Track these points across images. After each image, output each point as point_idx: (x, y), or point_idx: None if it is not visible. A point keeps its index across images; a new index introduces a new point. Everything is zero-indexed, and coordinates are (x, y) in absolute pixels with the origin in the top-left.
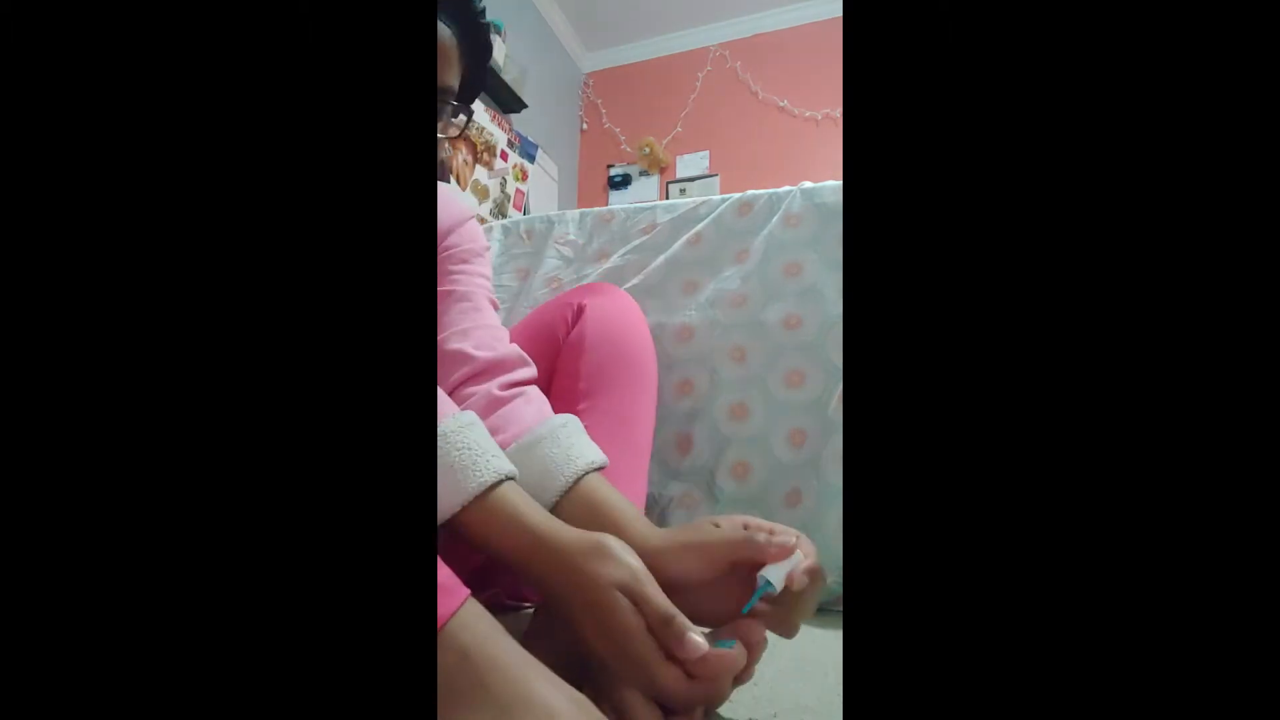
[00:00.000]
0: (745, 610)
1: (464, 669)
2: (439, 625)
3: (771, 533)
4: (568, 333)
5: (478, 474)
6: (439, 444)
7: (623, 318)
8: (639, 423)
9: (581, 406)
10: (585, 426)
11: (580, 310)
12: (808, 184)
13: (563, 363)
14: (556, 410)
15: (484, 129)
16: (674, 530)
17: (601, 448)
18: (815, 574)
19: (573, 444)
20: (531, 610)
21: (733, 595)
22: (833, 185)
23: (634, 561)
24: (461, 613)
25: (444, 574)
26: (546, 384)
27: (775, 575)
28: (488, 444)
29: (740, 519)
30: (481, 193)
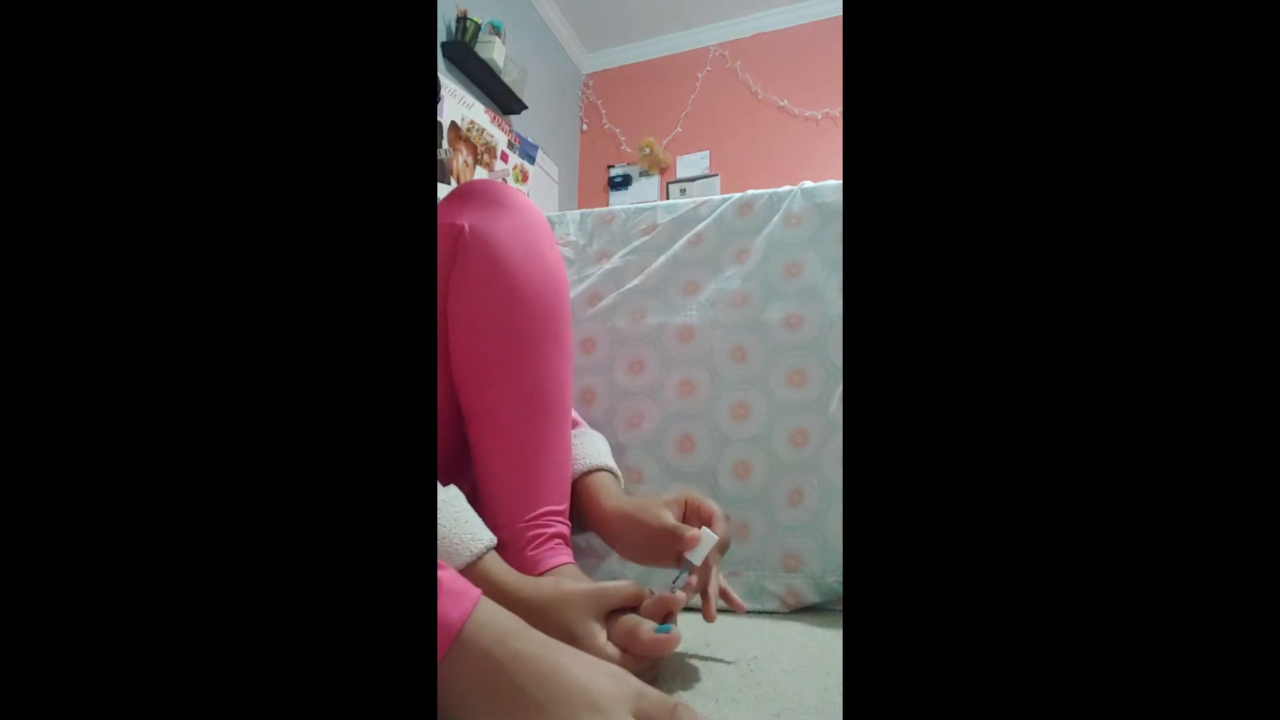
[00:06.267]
0: (674, 583)
1: (491, 670)
2: (455, 629)
3: (698, 509)
4: (450, 261)
5: (467, 546)
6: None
7: (521, 240)
8: (558, 381)
9: (490, 373)
10: (493, 403)
11: (460, 235)
12: (808, 183)
13: (456, 309)
14: (459, 374)
15: (484, 130)
16: (625, 507)
17: (520, 428)
18: (724, 547)
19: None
20: None
21: (667, 550)
22: (833, 185)
23: (586, 586)
24: (477, 613)
25: (449, 576)
26: (441, 328)
27: (696, 556)
28: (472, 516)
29: (683, 495)
30: None
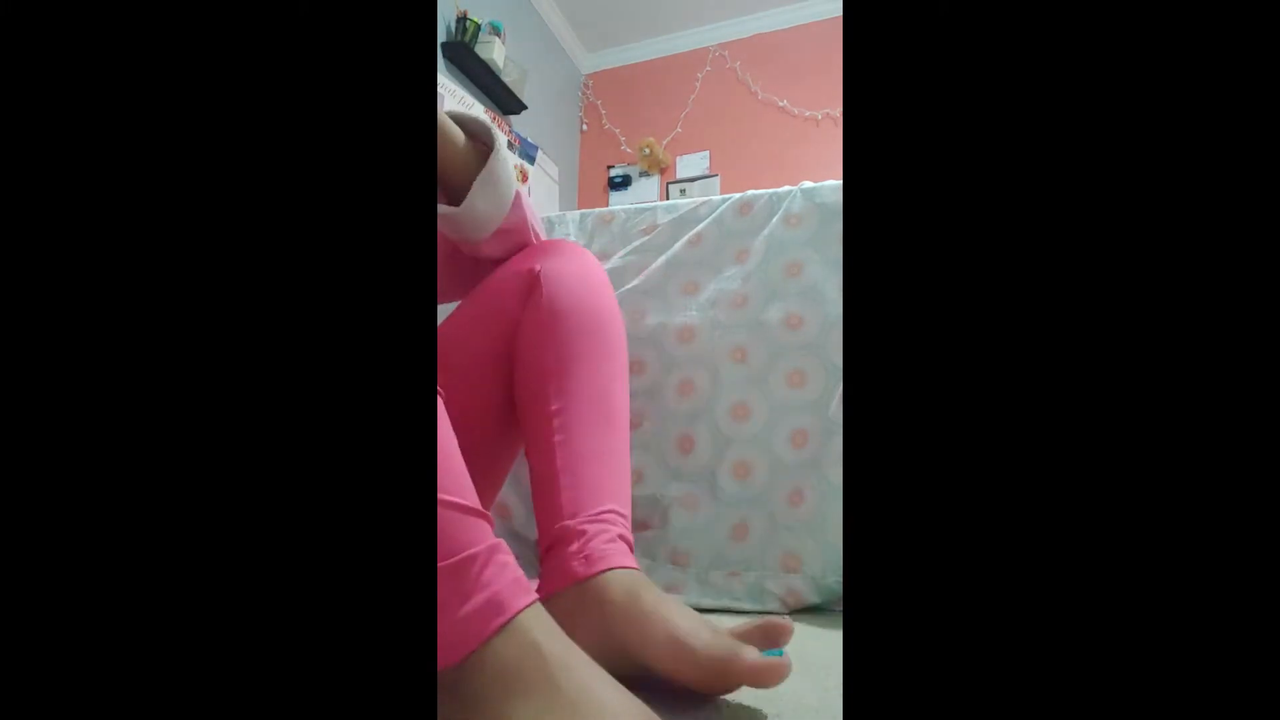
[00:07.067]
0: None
1: (535, 662)
2: (511, 614)
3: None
4: (523, 303)
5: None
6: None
7: (585, 281)
8: (617, 396)
9: (554, 387)
10: (558, 410)
11: (535, 277)
12: (808, 184)
13: (525, 340)
14: (524, 394)
15: None
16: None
17: (584, 431)
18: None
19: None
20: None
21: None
22: (833, 185)
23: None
24: (533, 609)
25: (520, 572)
26: (505, 364)
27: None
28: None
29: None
30: None
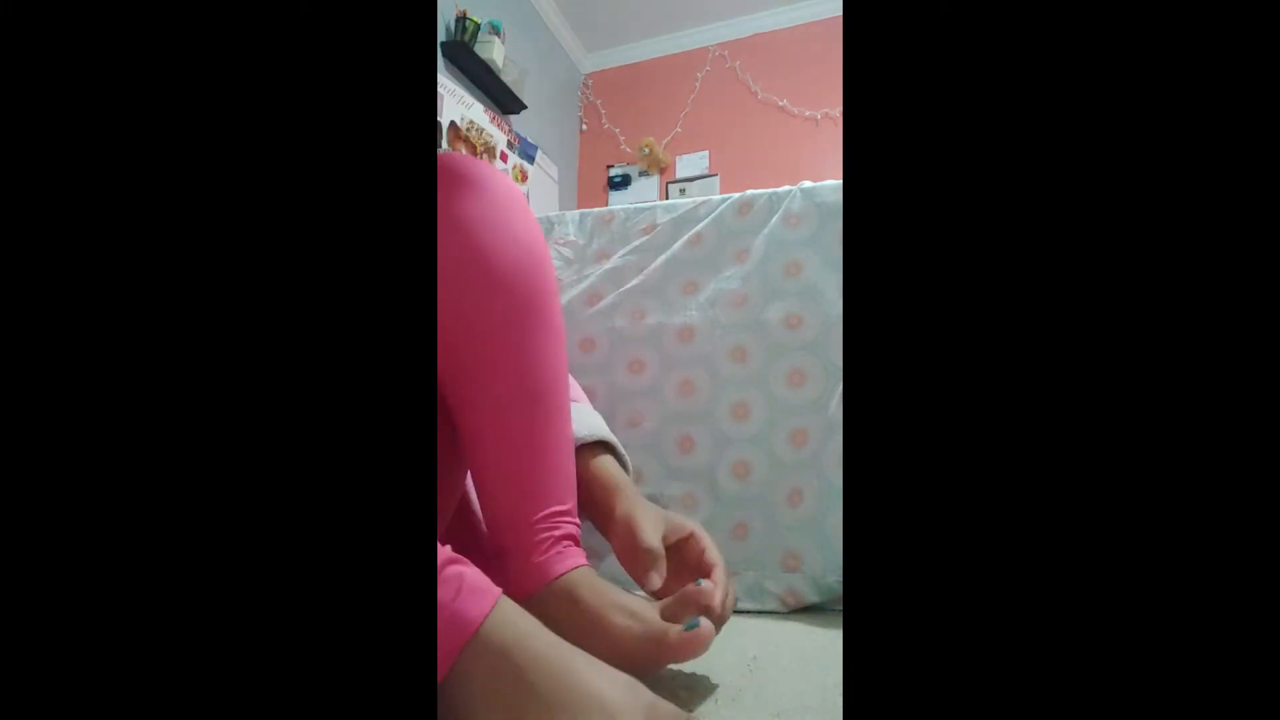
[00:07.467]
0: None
1: (507, 669)
2: (475, 626)
3: (702, 554)
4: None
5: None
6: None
7: (503, 225)
8: (551, 369)
9: (473, 365)
10: (478, 398)
11: (446, 223)
12: (808, 183)
13: (441, 308)
14: (445, 365)
15: (483, 130)
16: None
17: (514, 419)
18: (729, 599)
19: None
20: None
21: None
22: (833, 185)
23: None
24: (496, 611)
25: (474, 575)
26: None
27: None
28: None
29: (686, 529)
30: None
